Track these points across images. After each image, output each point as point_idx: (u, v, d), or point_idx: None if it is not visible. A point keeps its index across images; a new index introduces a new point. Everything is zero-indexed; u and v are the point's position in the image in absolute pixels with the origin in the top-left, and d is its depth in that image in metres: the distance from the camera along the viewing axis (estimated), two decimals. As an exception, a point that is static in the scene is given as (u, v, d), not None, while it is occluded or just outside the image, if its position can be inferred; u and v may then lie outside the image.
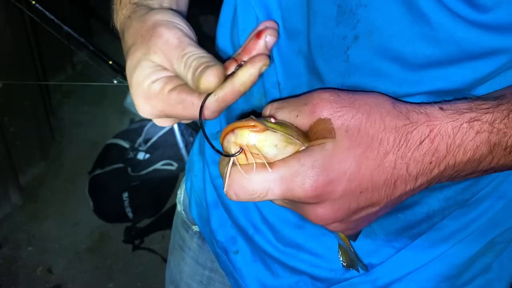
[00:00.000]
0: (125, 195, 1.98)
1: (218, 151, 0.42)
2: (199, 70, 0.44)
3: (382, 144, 0.39)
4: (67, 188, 2.20)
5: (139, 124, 2.22)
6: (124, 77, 1.49)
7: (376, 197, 0.41)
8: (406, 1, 0.43)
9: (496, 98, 0.42)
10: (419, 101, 0.46)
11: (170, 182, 2.10)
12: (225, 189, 0.41)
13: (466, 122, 0.40)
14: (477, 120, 0.40)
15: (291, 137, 0.40)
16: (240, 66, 0.46)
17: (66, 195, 2.17)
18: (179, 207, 0.85)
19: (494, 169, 0.43)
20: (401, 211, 0.56)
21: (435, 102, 0.42)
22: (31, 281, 1.86)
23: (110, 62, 1.46)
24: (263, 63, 0.45)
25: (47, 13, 1.39)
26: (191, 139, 2.00)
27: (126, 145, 2.11)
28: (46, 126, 2.32)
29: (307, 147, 0.40)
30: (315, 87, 0.52)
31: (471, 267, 0.60)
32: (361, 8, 0.45)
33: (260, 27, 0.48)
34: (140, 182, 2.01)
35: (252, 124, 0.39)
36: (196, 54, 0.45)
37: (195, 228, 0.80)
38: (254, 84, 0.46)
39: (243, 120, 0.40)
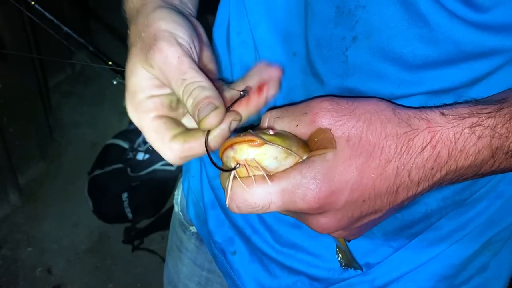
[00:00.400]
0: (125, 195, 1.98)
1: (218, 167, 0.42)
2: (201, 108, 0.43)
3: (383, 152, 0.39)
4: (66, 188, 2.20)
5: (138, 125, 2.21)
6: (123, 77, 1.49)
7: (378, 204, 0.41)
8: (405, 2, 0.43)
9: (497, 101, 0.42)
10: (418, 102, 0.46)
11: (170, 182, 2.10)
12: (227, 203, 0.41)
13: (467, 127, 0.40)
14: (479, 125, 0.40)
15: (289, 150, 0.40)
16: (243, 95, 0.47)
17: (66, 196, 2.16)
18: (176, 208, 0.85)
19: (494, 172, 0.43)
20: (399, 210, 0.56)
21: (436, 107, 0.42)
22: (30, 281, 1.86)
23: (110, 63, 1.45)
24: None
25: (46, 13, 1.39)
26: (191, 139, 2.00)
27: (125, 145, 2.11)
28: (45, 127, 2.32)
29: (308, 158, 0.40)
30: (311, 89, 0.52)
31: (469, 266, 0.60)
32: (360, 9, 0.45)
33: (264, 78, 0.48)
34: (139, 183, 2.01)
35: (250, 138, 0.39)
36: (196, 82, 0.44)
37: (193, 229, 0.80)
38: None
39: (242, 134, 0.40)
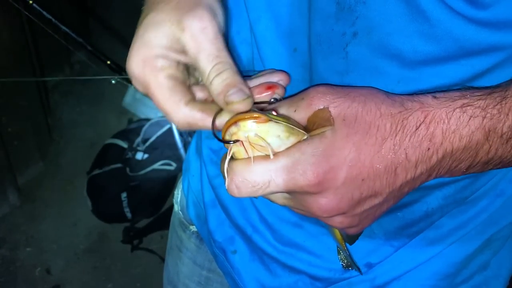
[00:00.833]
0: (124, 195, 1.98)
1: (220, 139, 0.42)
2: (232, 92, 0.43)
3: (379, 131, 0.40)
4: (65, 188, 2.20)
5: (137, 124, 2.21)
6: (122, 77, 1.48)
7: (378, 185, 0.41)
8: None
9: (489, 87, 0.43)
10: None
11: (169, 182, 2.10)
12: (226, 184, 0.41)
13: (458, 107, 0.40)
14: (470, 105, 0.41)
15: (293, 126, 0.40)
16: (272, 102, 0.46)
17: (65, 196, 2.16)
18: (176, 207, 0.85)
19: (493, 162, 0.43)
20: (400, 209, 0.56)
21: (428, 92, 0.43)
22: (29, 281, 1.86)
23: (108, 62, 1.46)
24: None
25: (44, 13, 1.39)
26: (190, 139, 2.00)
27: (124, 145, 2.10)
28: (44, 126, 2.32)
29: (308, 137, 0.41)
30: (311, 85, 0.52)
31: (469, 265, 0.60)
32: (360, 4, 0.45)
33: (273, 79, 0.48)
34: (138, 182, 2.01)
35: (255, 115, 0.39)
36: (228, 63, 0.44)
37: (193, 228, 0.80)
38: None
39: (245, 112, 0.40)
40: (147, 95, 0.47)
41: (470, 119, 0.40)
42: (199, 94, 0.48)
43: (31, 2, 1.38)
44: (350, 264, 0.57)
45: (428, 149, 0.40)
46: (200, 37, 0.44)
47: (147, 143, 2.09)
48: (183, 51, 0.45)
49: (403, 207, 0.56)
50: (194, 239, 0.80)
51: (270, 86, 0.47)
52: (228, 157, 0.41)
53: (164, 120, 2.12)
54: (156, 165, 2.05)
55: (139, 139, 2.12)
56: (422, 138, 0.40)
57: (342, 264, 0.57)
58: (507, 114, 0.41)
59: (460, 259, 0.59)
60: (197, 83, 0.50)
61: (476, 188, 0.55)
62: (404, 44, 0.45)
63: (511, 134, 0.41)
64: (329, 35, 0.48)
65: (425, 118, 0.40)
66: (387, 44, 0.45)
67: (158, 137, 2.10)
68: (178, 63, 0.46)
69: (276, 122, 0.40)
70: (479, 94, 0.41)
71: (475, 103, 0.41)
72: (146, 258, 1.95)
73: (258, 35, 0.55)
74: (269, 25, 0.53)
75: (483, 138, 0.41)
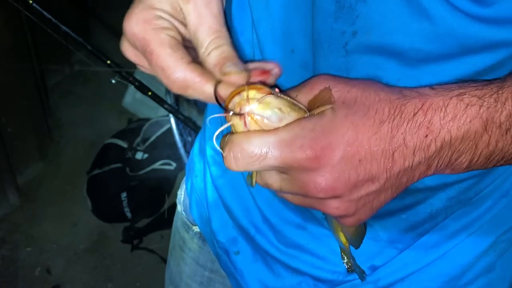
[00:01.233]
0: (124, 195, 1.98)
1: (220, 104, 0.42)
2: (229, 64, 0.43)
3: (378, 113, 0.40)
4: (65, 188, 2.19)
5: (137, 124, 2.21)
6: (122, 76, 1.48)
7: (375, 168, 0.41)
8: None
9: (487, 80, 0.43)
10: None
11: (169, 181, 2.09)
12: (224, 154, 0.41)
13: (455, 96, 0.41)
14: (466, 94, 0.41)
15: (296, 102, 0.41)
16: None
17: (64, 195, 2.16)
18: (179, 208, 0.84)
19: (495, 157, 0.43)
20: (404, 211, 0.56)
21: (426, 85, 0.43)
22: (29, 281, 1.85)
23: (108, 62, 1.45)
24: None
25: (44, 12, 1.39)
26: (189, 138, 1.99)
27: (124, 145, 2.10)
28: (44, 126, 2.31)
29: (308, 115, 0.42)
30: None
31: (474, 267, 0.60)
32: (360, 3, 0.44)
33: (267, 67, 0.47)
34: (138, 182, 2.00)
35: (259, 86, 0.40)
36: (228, 40, 0.45)
37: (196, 228, 0.80)
38: None
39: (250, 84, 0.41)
40: (142, 55, 0.46)
41: (467, 107, 0.40)
42: None
43: (31, 2, 1.37)
44: (354, 268, 0.57)
45: (426, 135, 0.40)
46: (203, 10, 0.45)
47: (147, 143, 2.09)
48: (183, 23, 0.46)
49: (407, 209, 0.55)
50: (197, 239, 0.80)
51: (265, 72, 0.46)
52: (226, 125, 0.41)
53: (164, 120, 2.12)
54: (156, 165, 2.05)
55: (139, 139, 2.12)
56: (419, 124, 0.40)
57: (346, 267, 0.57)
58: (504, 104, 0.40)
59: (465, 261, 0.59)
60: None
61: (481, 189, 0.55)
62: (405, 42, 0.44)
63: (510, 124, 0.41)
64: (328, 34, 0.48)
65: (422, 105, 0.40)
66: (388, 42, 0.45)
67: (157, 137, 2.10)
68: (179, 31, 0.46)
69: (279, 95, 0.41)
70: (476, 84, 0.42)
71: (472, 92, 0.41)
72: (146, 258, 1.95)
73: (261, 36, 0.55)
74: (268, 26, 0.53)
75: (481, 128, 0.41)
